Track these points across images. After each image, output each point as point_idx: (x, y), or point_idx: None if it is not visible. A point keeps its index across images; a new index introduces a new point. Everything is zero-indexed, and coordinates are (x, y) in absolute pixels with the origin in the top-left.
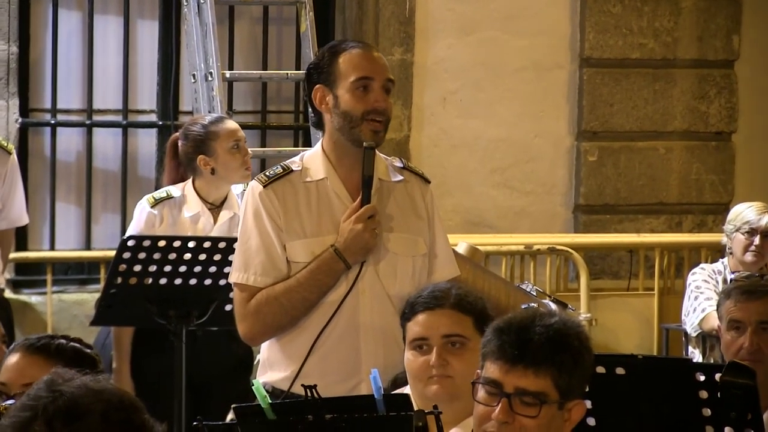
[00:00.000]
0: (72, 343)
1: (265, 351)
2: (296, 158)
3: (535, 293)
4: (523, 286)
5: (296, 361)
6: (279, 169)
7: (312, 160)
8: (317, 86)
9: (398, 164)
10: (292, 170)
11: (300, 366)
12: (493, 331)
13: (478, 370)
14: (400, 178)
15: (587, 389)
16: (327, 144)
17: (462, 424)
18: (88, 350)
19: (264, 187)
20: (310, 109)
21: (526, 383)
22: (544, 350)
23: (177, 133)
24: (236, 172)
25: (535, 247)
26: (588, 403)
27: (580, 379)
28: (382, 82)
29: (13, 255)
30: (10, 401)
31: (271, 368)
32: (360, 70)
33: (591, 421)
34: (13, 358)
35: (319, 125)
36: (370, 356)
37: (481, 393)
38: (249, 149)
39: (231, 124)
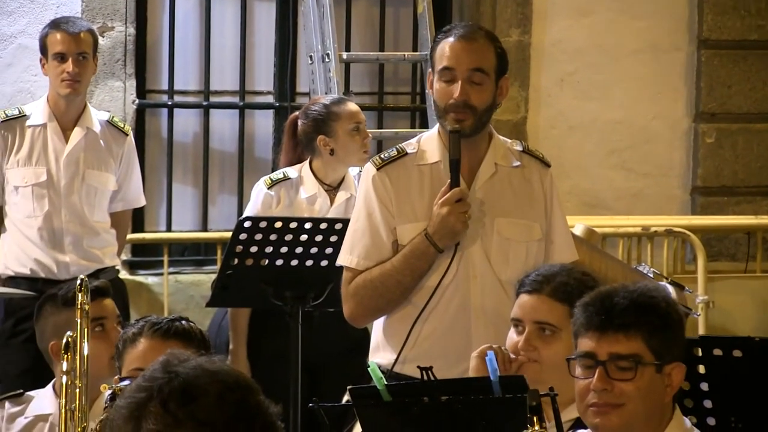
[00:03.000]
0: (190, 323)
1: (376, 333)
2: (413, 140)
3: (652, 275)
4: (641, 268)
5: (402, 343)
6: (394, 152)
7: (428, 142)
8: (429, 71)
9: (518, 147)
10: (406, 153)
11: (401, 348)
12: (580, 307)
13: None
14: (518, 163)
15: (704, 372)
16: (441, 127)
17: (564, 411)
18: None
19: (378, 169)
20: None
21: (619, 347)
22: (630, 312)
23: (297, 112)
24: (355, 154)
25: (653, 229)
26: (705, 386)
27: (673, 341)
28: (465, 73)
29: (129, 236)
30: (125, 382)
31: (381, 350)
32: (443, 60)
33: (708, 404)
34: (142, 346)
35: None
36: (482, 340)
37: (577, 369)
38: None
39: (352, 105)
